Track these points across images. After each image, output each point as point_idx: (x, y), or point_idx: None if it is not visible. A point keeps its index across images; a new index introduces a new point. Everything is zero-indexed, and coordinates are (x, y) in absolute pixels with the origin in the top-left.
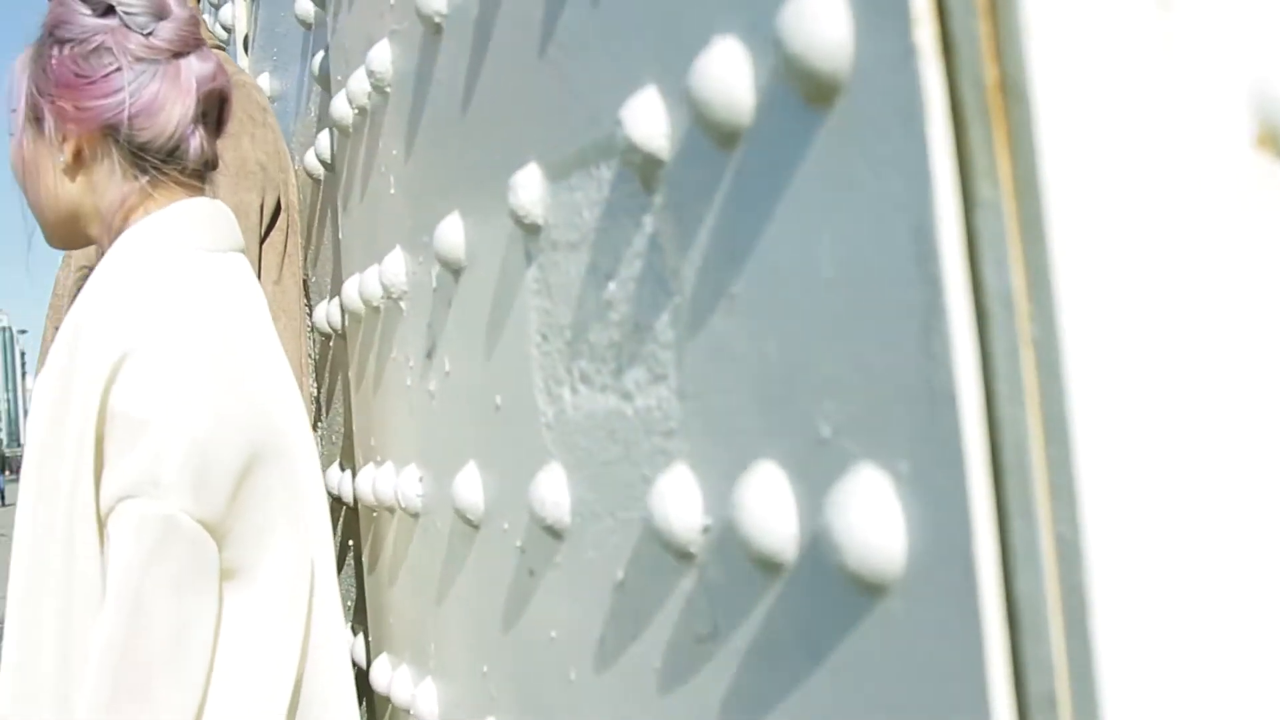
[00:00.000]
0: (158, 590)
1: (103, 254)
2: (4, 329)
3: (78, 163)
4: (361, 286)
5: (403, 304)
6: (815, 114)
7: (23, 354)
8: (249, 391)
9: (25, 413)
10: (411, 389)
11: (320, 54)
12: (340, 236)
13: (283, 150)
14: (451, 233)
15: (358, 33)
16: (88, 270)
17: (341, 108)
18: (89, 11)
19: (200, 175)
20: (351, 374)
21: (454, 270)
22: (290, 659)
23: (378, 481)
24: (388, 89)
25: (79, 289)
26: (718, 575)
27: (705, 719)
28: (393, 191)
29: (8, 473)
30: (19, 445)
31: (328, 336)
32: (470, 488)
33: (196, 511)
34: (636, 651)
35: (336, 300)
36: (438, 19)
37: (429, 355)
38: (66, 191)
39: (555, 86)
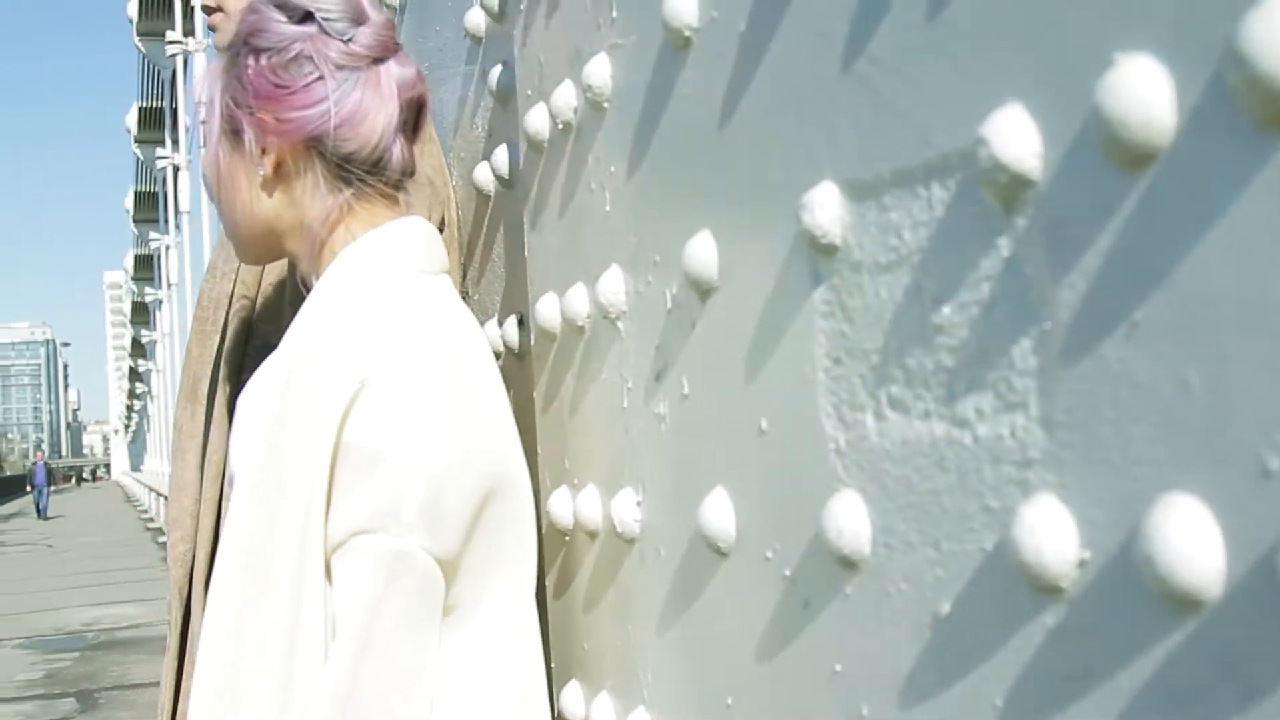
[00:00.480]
0: (392, 628)
1: (299, 268)
2: (47, 341)
3: (278, 176)
4: (564, 305)
5: (620, 324)
6: (1269, 136)
7: (65, 366)
8: (483, 422)
9: (68, 425)
10: (629, 411)
11: (498, 68)
12: (527, 254)
13: (444, 165)
14: (702, 251)
15: (561, 46)
16: (254, 286)
17: (538, 123)
18: (285, 19)
19: (399, 186)
20: (538, 395)
21: (702, 290)
22: (509, 699)
23: (579, 504)
24: (605, 104)
25: (242, 302)
26: (1096, 611)
27: None
28: (608, 209)
29: (52, 485)
30: (59, 456)
31: (495, 356)
32: (719, 514)
33: (434, 548)
34: (965, 688)
35: (512, 319)
36: (687, 33)
37: (658, 377)
38: (264, 206)
39: (863, 103)
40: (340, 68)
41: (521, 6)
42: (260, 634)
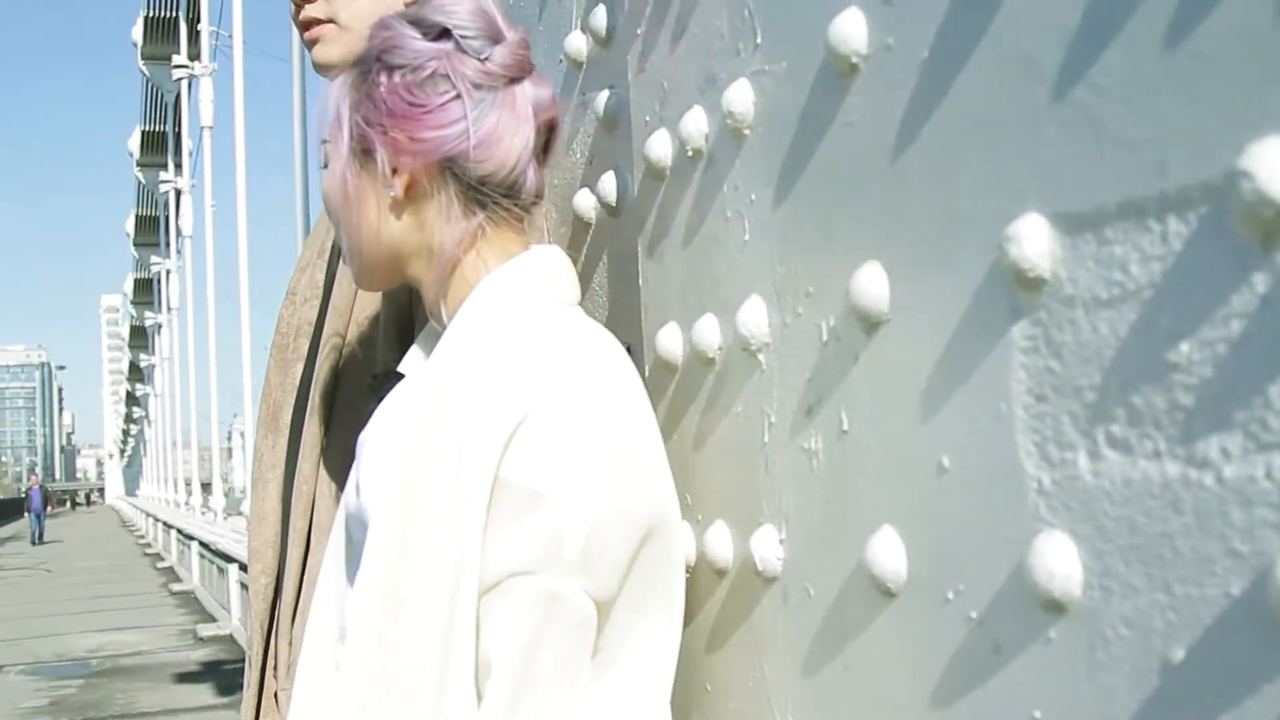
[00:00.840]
0: (549, 672)
1: (424, 295)
2: (43, 364)
3: (409, 198)
4: (691, 336)
5: (762, 356)
6: None
7: (60, 389)
8: (642, 459)
9: (62, 449)
10: (771, 446)
11: (604, 93)
12: (641, 283)
13: None
14: (872, 283)
15: (689, 72)
16: (345, 314)
17: (660, 149)
18: (420, 36)
19: (529, 210)
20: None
21: (870, 323)
22: None
23: (706, 541)
24: (746, 130)
25: (334, 327)
26: None
27: None
28: (747, 238)
29: (48, 509)
30: (53, 480)
31: None
32: (888, 553)
33: (591, 589)
34: None
35: None
36: (855, 59)
37: (809, 412)
38: (392, 229)
39: (1080, 134)
40: (477, 87)
41: (639, 31)
42: (409, 678)
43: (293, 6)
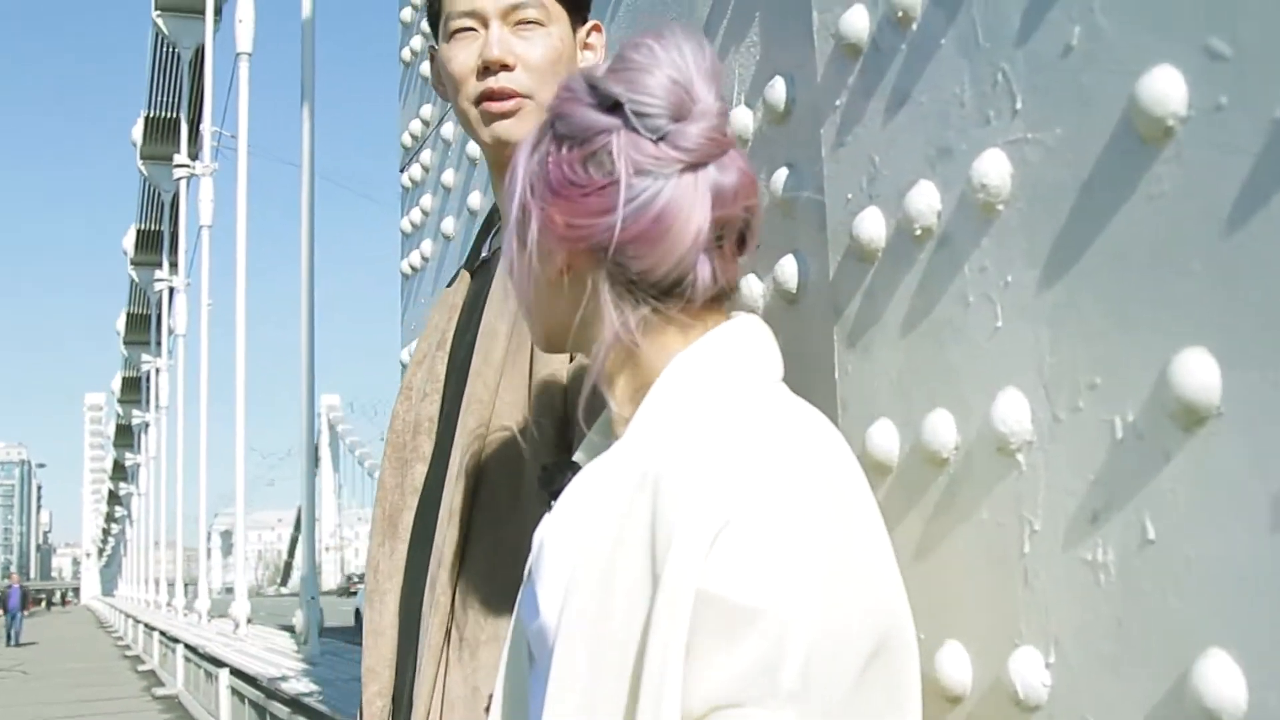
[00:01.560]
0: None
1: (597, 380)
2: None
3: (570, 276)
4: (918, 435)
5: (1022, 456)
6: None
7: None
8: (868, 563)
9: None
10: (1034, 557)
11: (782, 171)
12: (838, 375)
13: None
14: (1198, 373)
15: (911, 143)
16: (488, 406)
17: (872, 229)
18: (594, 104)
19: (710, 306)
20: None
21: (1192, 417)
22: None
23: (938, 663)
24: (1000, 205)
25: (476, 418)
26: None
27: None
28: (1000, 324)
29: (25, 609)
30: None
31: None
32: (1222, 679)
33: (810, 718)
34: None
35: None
36: (1171, 122)
37: (1094, 519)
38: (557, 303)
39: None
40: (641, 173)
41: (837, 103)
42: None
43: (475, 74)
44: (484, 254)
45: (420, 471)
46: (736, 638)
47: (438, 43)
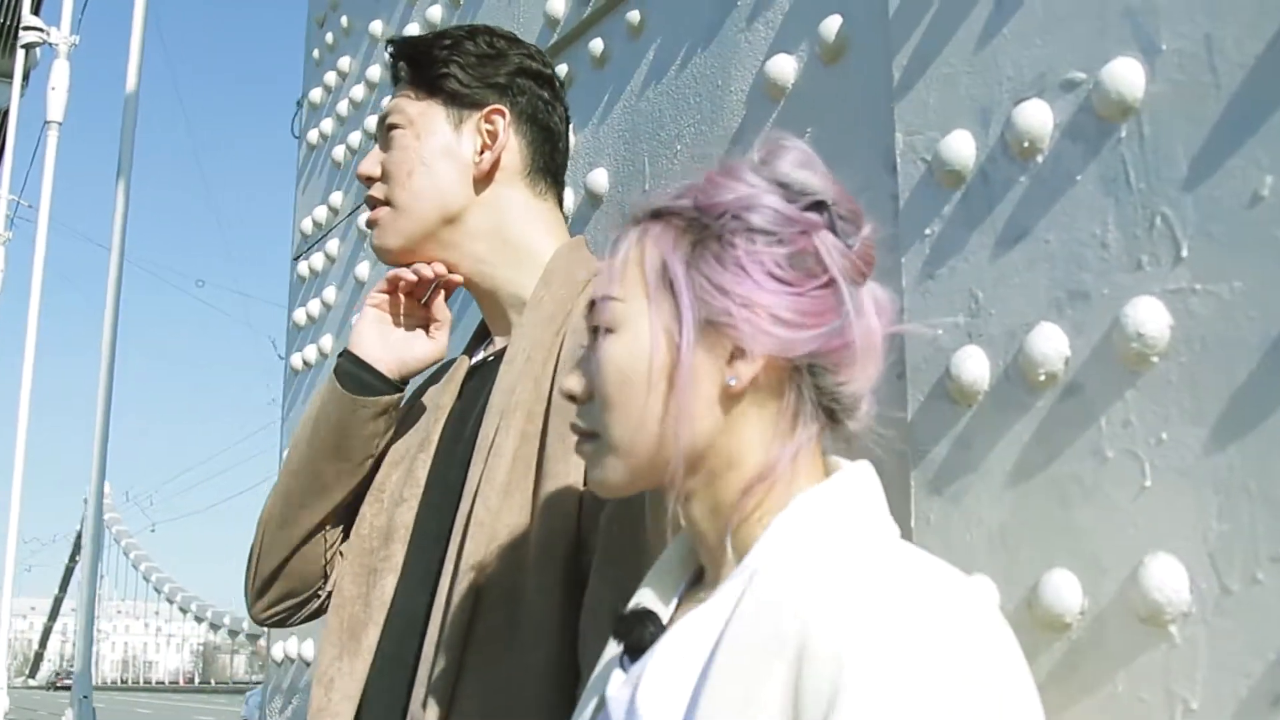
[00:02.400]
0: None
1: (693, 510)
2: None
3: (744, 391)
4: (1039, 597)
5: (1175, 628)
6: None
7: None
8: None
9: None
10: None
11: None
12: (914, 522)
13: None
14: None
15: (1024, 285)
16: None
17: (975, 370)
18: (787, 199)
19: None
20: None
21: None
22: None
23: None
24: (1155, 357)
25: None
26: None
27: None
28: (1149, 484)
29: None
30: None
31: None
32: None
33: None
34: None
35: None
36: None
37: (1276, 702)
38: (706, 423)
39: None
40: (848, 280)
41: (927, 232)
42: None
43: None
44: (475, 359)
45: (391, 584)
46: None
47: None
